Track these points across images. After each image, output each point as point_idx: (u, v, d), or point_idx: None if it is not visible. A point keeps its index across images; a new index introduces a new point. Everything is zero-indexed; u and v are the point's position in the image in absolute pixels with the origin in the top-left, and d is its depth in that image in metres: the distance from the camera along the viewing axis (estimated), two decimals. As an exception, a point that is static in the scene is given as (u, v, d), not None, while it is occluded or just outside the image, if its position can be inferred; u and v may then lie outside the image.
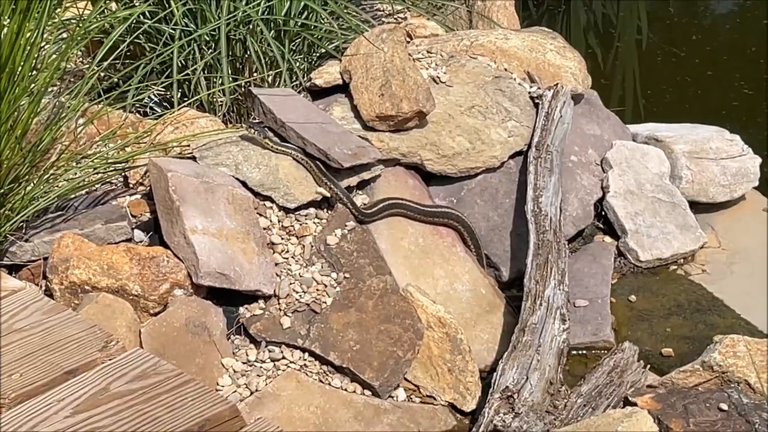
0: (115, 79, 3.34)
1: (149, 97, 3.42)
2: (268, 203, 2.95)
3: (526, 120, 3.29)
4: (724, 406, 2.46)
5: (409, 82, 3.14)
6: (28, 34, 2.69)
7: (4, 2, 2.55)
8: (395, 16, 3.81)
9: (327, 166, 2.99)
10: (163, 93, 3.43)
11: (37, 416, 1.81)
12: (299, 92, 3.29)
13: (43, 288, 2.70)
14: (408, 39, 3.60)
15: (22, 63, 2.67)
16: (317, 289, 2.83)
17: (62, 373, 1.92)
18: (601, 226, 3.31)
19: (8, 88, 2.64)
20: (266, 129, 3.05)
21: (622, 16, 4.64)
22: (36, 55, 2.77)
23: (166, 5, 3.39)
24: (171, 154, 3.03)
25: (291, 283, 2.82)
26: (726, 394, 2.50)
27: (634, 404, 2.52)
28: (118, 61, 3.34)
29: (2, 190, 2.65)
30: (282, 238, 2.92)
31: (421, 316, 2.84)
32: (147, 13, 3.39)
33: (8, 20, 2.63)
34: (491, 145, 3.20)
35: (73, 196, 2.91)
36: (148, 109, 3.42)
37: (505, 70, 3.41)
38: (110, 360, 1.95)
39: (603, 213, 3.30)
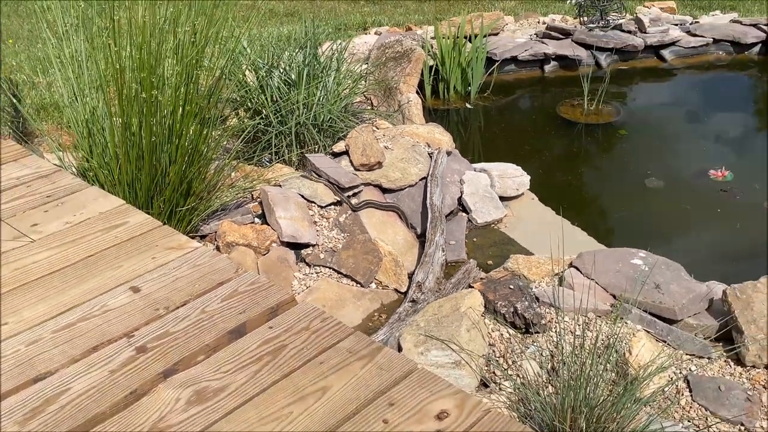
0: (246, 151, 3.34)
1: (263, 159, 3.41)
2: (313, 204, 2.91)
3: (426, 163, 3.26)
4: (512, 286, 2.42)
5: (374, 149, 3.11)
6: (205, 131, 2.67)
7: (189, 119, 2.51)
8: (370, 120, 3.79)
9: (338, 186, 2.96)
10: (269, 156, 3.42)
11: (206, 304, 1.78)
12: (326, 155, 3.27)
13: (214, 245, 2.70)
14: (375, 129, 3.58)
15: (202, 146, 2.65)
16: (335, 241, 2.80)
17: (216, 284, 1.86)
18: (461, 209, 3.26)
19: (197, 158, 2.62)
20: (312, 172, 3.02)
21: (473, 115, 4.58)
22: (209, 141, 2.74)
23: (270, 118, 3.37)
24: (271, 184, 3.01)
25: (323, 239, 2.80)
26: (514, 281, 2.46)
27: (472, 287, 2.49)
28: (249, 144, 3.34)
29: (194, 204, 2.64)
30: (319, 219, 2.88)
31: (381, 251, 2.81)
32: (261, 122, 3.38)
33: (194, 126, 2.61)
34: (411, 174, 3.17)
35: (228, 203, 2.89)
36: (264, 164, 3.40)
37: (417, 142, 3.38)
38: (238, 276, 1.90)
39: (461, 203, 3.26)
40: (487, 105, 4.68)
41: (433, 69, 4.70)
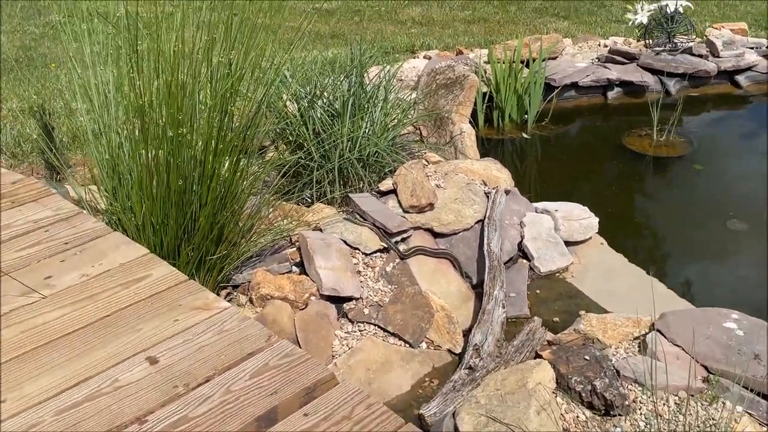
0: (285, 186, 3.11)
1: (304, 195, 3.17)
2: (357, 251, 2.66)
3: (482, 204, 2.98)
4: (588, 357, 2.11)
5: (425, 189, 2.85)
6: (239, 171, 2.44)
7: (222, 158, 2.30)
8: (419, 153, 3.53)
9: (385, 231, 2.70)
10: (310, 193, 3.18)
11: (231, 382, 1.59)
12: (372, 193, 3.01)
13: (247, 297, 2.46)
14: (425, 163, 3.33)
15: (235, 187, 2.42)
16: (381, 294, 2.54)
17: (246, 354, 1.67)
18: (521, 255, 2.96)
19: (230, 201, 2.40)
20: (356, 214, 2.78)
21: (530, 146, 4.31)
22: (244, 182, 2.50)
23: (312, 153, 3.15)
24: (311, 227, 2.76)
25: (368, 292, 2.53)
26: (590, 350, 2.15)
27: (540, 356, 2.19)
28: (288, 179, 3.12)
29: (227, 251, 2.41)
30: (364, 268, 2.62)
31: (432, 305, 2.54)
32: (303, 157, 3.15)
33: (228, 162, 2.39)
34: (466, 217, 2.89)
35: (264, 249, 2.65)
36: (305, 199, 3.15)
37: (472, 180, 3.10)
38: (270, 347, 1.69)
39: (522, 249, 2.96)
40: (545, 135, 4.38)
41: (487, 96, 4.43)
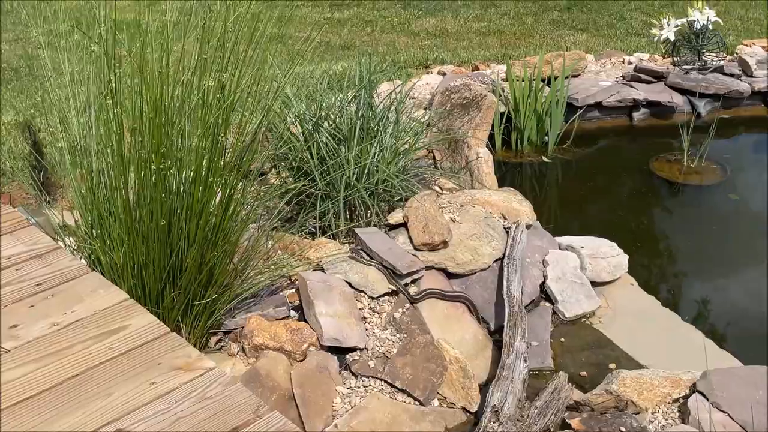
0: (290, 215, 2.89)
1: (307, 223, 2.94)
2: (362, 294, 2.43)
3: (501, 241, 2.75)
4: (624, 429, 1.88)
5: (438, 224, 2.62)
6: (231, 207, 2.22)
7: (212, 192, 2.08)
8: (433, 177, 3.30)
9: (394, 272, 2.47)
10: (314, 222, 2.94)
11: None
12: (380, 226, 2.79)
13: (239, 346, 2.23)
14: (439, 190, 3.11)
15: (227, 224, 2.20)
16: (388, 344, 2.30)
17: (230, 429, 1.47)
18: (544, 297, 2.73)
19: (221, 240, 2.18)
20: (361, 251, 2.55)
21: (551, 171, 4.08)
22: (236, 216, 2.28)
23: (316, 181, 2.92)
24: (312, 265, 2.53)
25: (374, 341, 2.30)
26: (626, 420, 1.91)
27: (569, 426, 1.95)
28: (290, 205, 2.90)
29: (216, 295, 2.18)
30: (370, 314, 2.38)
31: (445, 356, 2.30)
32: (307, 185, 2.93)
33: (221, 194, 2.18)
34: (483, 255, 2.65)
35: (260, 289, 2.42)
36: (308, 228, 2.92)
37: (490, 213, 2.87)
38: (258, 420, 1.48)
39: (545, 290, 2.72)
40: (567, 158, 4.14)
41: (504, 116, 4.20)
